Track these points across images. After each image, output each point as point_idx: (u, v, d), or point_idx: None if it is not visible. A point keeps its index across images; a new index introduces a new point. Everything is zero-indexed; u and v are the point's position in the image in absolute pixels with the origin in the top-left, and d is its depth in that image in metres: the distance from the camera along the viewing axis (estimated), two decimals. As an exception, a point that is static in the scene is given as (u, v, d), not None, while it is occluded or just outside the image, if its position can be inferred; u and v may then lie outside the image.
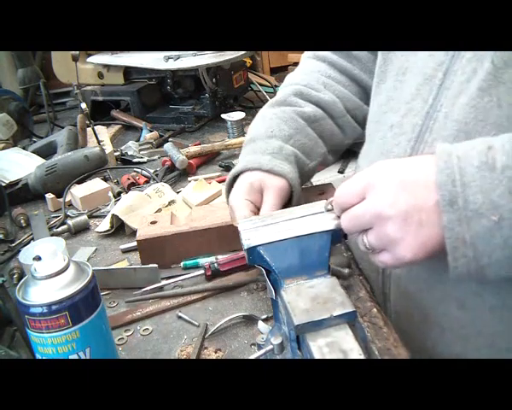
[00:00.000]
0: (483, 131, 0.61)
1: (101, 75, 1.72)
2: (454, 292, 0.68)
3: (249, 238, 0.66)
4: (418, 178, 0.56)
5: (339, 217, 0.65)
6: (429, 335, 0.72)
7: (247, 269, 0.87)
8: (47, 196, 1.21)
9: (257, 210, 0.78)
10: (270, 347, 0.62)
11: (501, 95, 0.60)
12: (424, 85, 0.68)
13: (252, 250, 0.65)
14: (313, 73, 0.93)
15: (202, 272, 0.87)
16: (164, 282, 0.88)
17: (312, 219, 0.67)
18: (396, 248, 0.58)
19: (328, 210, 0.68)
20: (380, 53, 0.78)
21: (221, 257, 0.91)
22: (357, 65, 0.93)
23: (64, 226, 1.10)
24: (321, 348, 0.54)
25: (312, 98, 0.89)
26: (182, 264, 0.92)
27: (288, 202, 0.81)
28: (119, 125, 1.68)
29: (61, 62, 1.76)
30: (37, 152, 1.44)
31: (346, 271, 0.81)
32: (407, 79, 0.72)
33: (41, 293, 0.59)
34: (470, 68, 0.63)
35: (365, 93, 0.92)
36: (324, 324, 0.56)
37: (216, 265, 0.87)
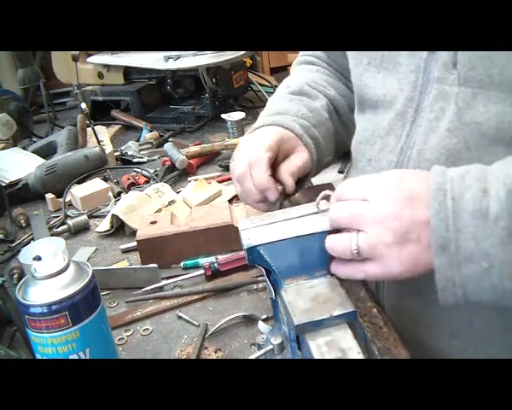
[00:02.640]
0: None
1: (101, 75, 1.72)
2: (445, 323, 0.69)
3: (249, 238, 0.66)
4: (422, 197, 0.55)
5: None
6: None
7: (247, 269, 0.87)
8: (47, 196, 1.21)
9: (272, 171, 0.75)
10: (270, 347, 0.62)
11: (467, 137, 0.60)
12: (397, 121, 0.68)
13: (252, 250, 0.65)
14: (312, 72, 0.92)
15: (202, 272, 0.87)
16: (164, 282, 0.88)
17: (312, 218, 0.67)
18: (388, 260, 0.56)
19: (322, 210, 0.68)
20: (356, 84, 0.76)
21: (221, 257, 0.91)
22: (341, 74, 0.91)
23: (64, 226, 1.10)
24: (320, 347, 0.54)
25: (321, 92, 0.87)
26: (182, 264, 0.92)
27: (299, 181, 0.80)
28: (119, 125, 1.68)
29: (61, 62, 1.76)
30: (37, 152, 1.44)
31: None
32: (380, 111, 0.71)
33: (41, 293, 0.59)
34: (438, 107, 0.63)
35: None
36: (324, 324, 0.56)
37: (216, 265, 0.87)
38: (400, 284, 0.73)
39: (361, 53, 0.74)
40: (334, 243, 0.61)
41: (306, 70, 0.93)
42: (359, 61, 0.74)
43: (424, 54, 0.65)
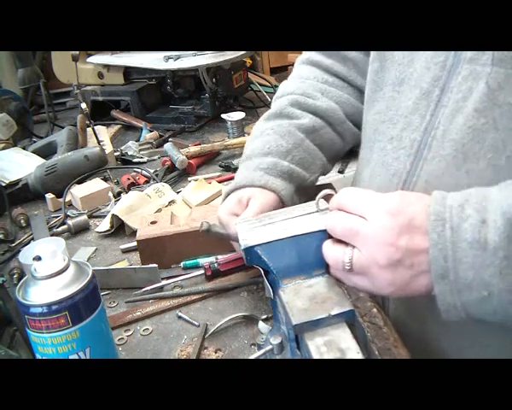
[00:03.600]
0: (480, 153, 0.60)
1: (101, 75, 1.72)
2: (454, 342, 0.69)
3: (246, 238, 0.66)
4: (420, 226, 0.56)
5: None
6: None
7: (248, 269, 0.87)
8: (47, 196, 1.21)
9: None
10: (270, 347, 0.62)
11: (497, 117, 0.60)
12: (422, 100, 0.67)
13: (249, 250, 0.65)
14: (308, 80, 0.90)
15: (202, 272, 0.87)
16: (164, 282, 0.88)
17: (309, 218, 0.67)
18: (378, 280, 0.58)
19: (322, 209, 0.68)
20: (376, 59, 0.76)
21: (221, 257, 0.91)
22: (353, 68, 0.89)
23: (64, 226, 1.10)
24: (319, 347, 0.54)
25: (310, 107, 0.86)
26: (182, 264, 0.92)
27: None
28: (119, 125, 1.68)
29: (61, 62, 1.76)
30: (37, 152, 1.44)
31: None
32: (404, 89, 0.70)
33: (41, 293, 0.59)
34: (466, 87, 0.62)
35: (363, 97, 0.89)
36: (322, 323, 0.56)
37: (216, 265, 0.87)
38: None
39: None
40: (328, 252, 0.62)
41: (303, 76, 0.92)
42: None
43: None
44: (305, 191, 0.86)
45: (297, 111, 0.86)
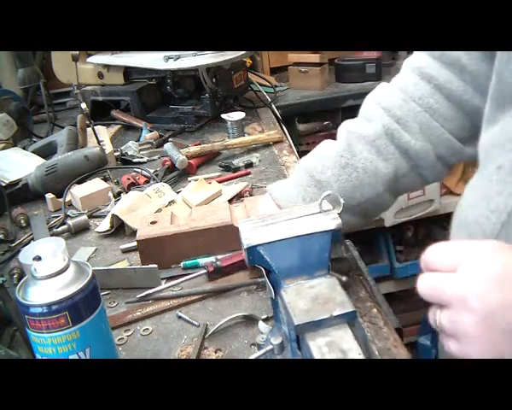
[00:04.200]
0: None
1: (101, 75, 1.72)
2: None
3: (249, 238, 0.66)
4: None
5: (339, 215, 0.65)
6: None
7: (249, 268, 0.86)
8: (47, 196, 1.21)
9: None
10: (270, 347, 0.62)
11: None
12: None
13: (251, 250, 0.65)
14: (413, 101, 0.80)
15: (203, 271, 0.87)
16: (164, 285, 0.88)
17: (312, 218, 0.67)
18: (465, 342, 0.50)
19: (325, 210, 0.68)
20: (494, 73, 0.65)
21: (221, 256, 0.91)
22: (470, 84, 0.77)
23: (64, 226, 1.10)
24: (320, 347, 0.54)
25: (402, 145, 0.79)
26: (182, 264, 0.92)
27: None
28: (119, 125, 1.68)
29: (61, 62, 1.76)
30: (37, 152, 1.44)
31: (344, 278, 0.81)
32: None
33: (41, 293, 0.59)
34: None
35: (474, 121, 0.77)
36: (324, 324, 0.56)
37: (218, 262, 0.87)
38: None
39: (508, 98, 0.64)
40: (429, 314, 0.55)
41: (408, 92, 0.81)
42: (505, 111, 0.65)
43: None
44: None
45: (389, 147, 0.80)
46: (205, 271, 0.86)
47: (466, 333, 0.49)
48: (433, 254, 0.54)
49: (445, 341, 0.52)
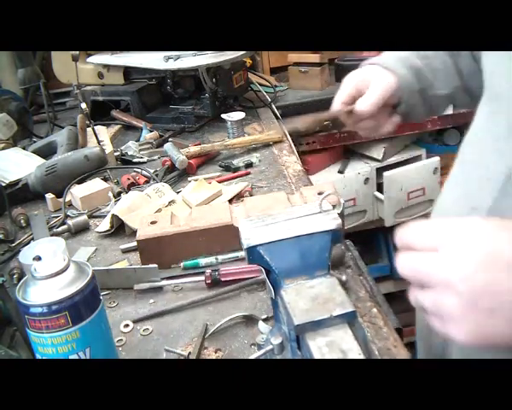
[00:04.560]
0: None
1: (101, 75, 1.72)
2: None
3: (249, 238, 0.66)
4: (507, 261, 0.47)
5: (339, 215, 0.65)
6: None
7: (248, 279, 0.86)
8: (47, 196, 1.21)
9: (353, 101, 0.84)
10: (270, 347, 0.62)
11: None
12: None
13: (251, 250, 0.65)
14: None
15: (202, 278, 0.87)
16: (164, 282, 0.88)
17: (312, 218, 0.67)
18: (450, 324, 0.49)
19: (325, 210, 0.68)
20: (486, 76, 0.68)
21: (221, 257, 0.91)
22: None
23: (64, 226, 1.10)
24: (320, 347, 0.54)
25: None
26: (182, 264, 0.92)
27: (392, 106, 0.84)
28: (119, 125, 1.68)
29: (61, 62, 1.76)
30: (37, 152, 1.44)
31: (344, 277, 0.81)
32: (499, 109, 0.62)
33: (41, 293, 0.59)
34: None
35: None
36: (324, 324, 0.56)
37: (217, 274, 0.87)
38: None
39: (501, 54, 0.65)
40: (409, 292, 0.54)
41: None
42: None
43: None
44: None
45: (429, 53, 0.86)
46: (202, 279, 0.86)
47: (451, 315, 0.48)
48: (412, 232, 0.52)
49: (428, 317, 0.52)
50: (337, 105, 0.85)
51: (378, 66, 0.83)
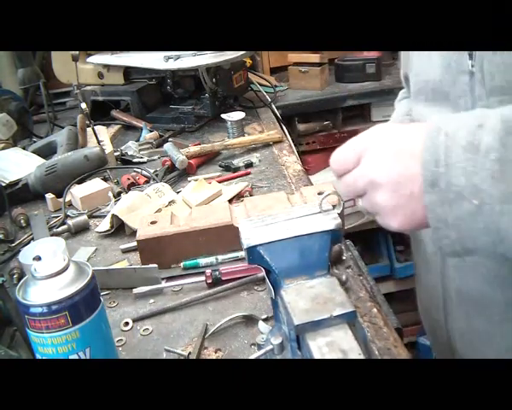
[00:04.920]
0: None
1: (101, 75, 1.72)
2: (505, 339, 0.68)
3: (249, 238, 0.66)
4: (413, 150, 0.53)
5: (339, 215, 0.65)
6: None
7: (249, 276, 0.86)
8: (47, 196, 1.21)
9: None
10: (270, 347, 0.62)
11: None
12: None
13: (251, 250, 0.65)
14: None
15: (203, 278, 0.87)
16: (163, 282, 0.88)
17: (312, 218, 0.67)
18: (383, 215, 0.57)
19: (325, 210, 0.68)
20: (415, 117, 0.81)
21: (221, 257, 0.91)
22: None
23: (64, 226, 1.10)
24: (320, 347, 0.54)
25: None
26: (182, 264, 0.92)
27: None
28: (119, 125, 1.68)
29: (61, 62, 1.76)
30: (37, 152, 1.44)
31: (344, 277, 0.81)
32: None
33: (41, 293, 0.59)
34: None
35: None
36: (324, 324, 0.56)
37: (217, 273, 0.87)
38: (469, 308, 0.74)
39: (418, 91, 0.78)
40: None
41: (408, 102, 0.94)
42: (418, 99, 0.79)
43: (466, 78, 0.67)
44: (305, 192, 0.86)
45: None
46: (203, 279, 0.86)
47: (383, 207, 0.56)
48: (336, 159, 0.61)
49: (377, 219, 0.60)
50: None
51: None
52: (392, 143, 0.56)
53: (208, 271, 0.87)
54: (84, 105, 1.49)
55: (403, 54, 0.88)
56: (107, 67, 1.70)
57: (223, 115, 1.48)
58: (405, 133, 0.56)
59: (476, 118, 0.51)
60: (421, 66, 0.75)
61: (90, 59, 1.73)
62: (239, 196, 1.14)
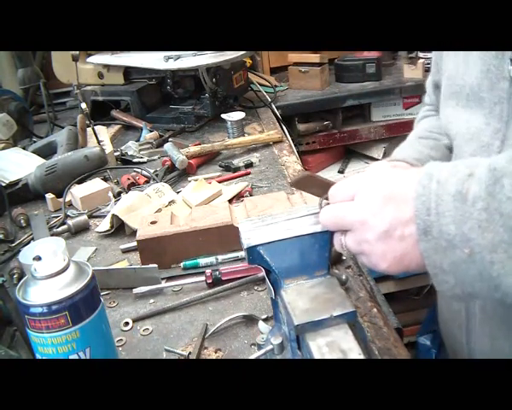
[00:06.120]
0: None
1: (101, 75, 1.72)
2: None
3: (249, 238, 0.66)
4: (406, 195, 0.54)
5: None
6: None
7: (249, 275, 0.86)
8: (47, 196, 1.21)
9: None
10: (270, 347, 0.62)
11: None
12: (482, 153, 0.68)
13: (252, 250, 0.65)
14: (434, 121, 0.90)
15: (203, 278, 0.87)
16: (163, 282, 0.88)
17: (312, 218, 0.67)
18: (372, 256, 0.57)
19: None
20: (443, 120, 0.79)
21: (221, 257, 0.91)
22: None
23: (64, 226, 1.10)
24: (320, 347, 0.54)
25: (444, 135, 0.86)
26: (182, 264, 0.92)
27: None
28: (119, 125, 1.68)
29: (61, 62, 1.76)
30: (37, 152, 1.44)
31: (344, 276, 0.81)
32: (458, 144, 0.73)
33: (41, 293, 0.59)
34: None
35: None
36: (324, 324, 0.56)
37: (218, 273, 0.87)
38: (493, 328, 0.71)
39: (450, 95, 0.76)
40: (334, 240, 0.62)
41: (429, 121, 0.92)
42: (448, 104, 0.77)
43: (506, 84, 0.66)
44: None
45: (438, 135, 0.86)
46: (203, 279, 0.86)
47: (372, 249, 0.56)
48: (333, 191, 0.61)
49: (358, 258, 0.60)
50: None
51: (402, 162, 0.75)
52: (387, 186, 0.56)
53: (208, 271, 0.87)
54: (84, 105, 1.49)
55: (433, 61, 0.86)
56: (107, 67, 1.70)
57: (223, 115, 1.48)
58: (400, 177, 0.56)
59: (467, 167, 0.52)
60: (457, 70, 0.74)
61: (90, 59, 1.73)
62: (239, 196, 1.14)
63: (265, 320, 0.76)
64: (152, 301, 0.86)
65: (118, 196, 1.21)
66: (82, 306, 0.61)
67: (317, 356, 0.53)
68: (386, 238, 0.55)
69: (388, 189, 0.55)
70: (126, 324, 0.81)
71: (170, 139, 1.50)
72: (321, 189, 0.65)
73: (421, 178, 0.53)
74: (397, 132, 2.13)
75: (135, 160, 1.42)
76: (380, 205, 0.55)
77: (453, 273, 0.52)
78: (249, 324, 0.78)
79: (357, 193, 0.58)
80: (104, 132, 1.56)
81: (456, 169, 0.52)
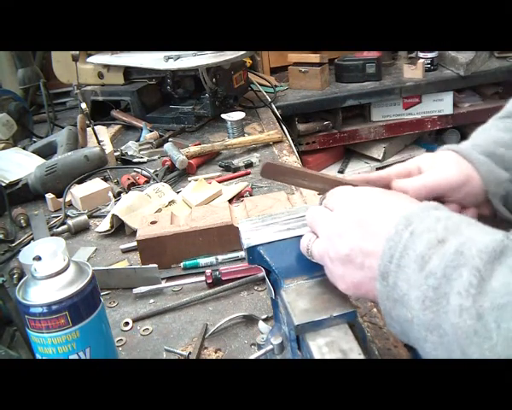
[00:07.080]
0: None
1: (101, 75, 1.72)
2: None
3: (249, 238, 0.66)
4: (379, 230, 0.52)
5: None
6: None
7: (249, 276, 0.86)
8: (47, 196, 1.21)
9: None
10: (270, 347, 0.62)
11: None
12: None
13: (252, 250, 0.65)
14: None
15: (203, 278, 0.87)
16: (163, 282, 0.88)
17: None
18: (333, 273, 0.57)
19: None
20: None
21: (221, 257, 0.91)
22: None
23: (64, 226, 1.10)
24: (320, 347, 0.54)
25: None
26: (182, 264, 0.92)
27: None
28: (119, 125, 1.68)
29: (61, 62, 1.76)
30: (37, 152, 1.44)
31: None
32: None
33: (41, 293, 0.59)
34: None
35: None
36: (324, 324, 0.56)
37: (218, 274, 0.87)
38: None
39: None
40: (302, 238, 0.62)
41: None
42: None
43: None
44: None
45: None
46: (203, 279, 0.86)
47: (332, 267, 0.56)
48: (329, 193, 0.61)
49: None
50: (386, 173, 0.68)
51: (453, 152, 0.68)
52: (364, 211, 0.55)
53: (208, 271, 0.87)
54: (84, 105, 1.49)
55: None
56: (107, 67, 1.70)
57: (223, 115, 1.48)
58: (384, 207, 0.54)
59: (446, 229, 0.48)
60: None
61: (90, 59, 1.73)
62: (239, 196, 1.14)
63: (265, 320, 0.76)
64: (152, 301, 0.86)
65: (118, 196, 1.21)
66: (82, 306, 0.61)
67: (317, 356, 0.53)
68: (346, 262, 0.54)
69: (364, 214, 0.54)
70: (126, 324, 0.81)
71: (170, 139, 1.50)
72: (288, 176, 0.67)
73: (399, 222, 0.50)
74: (397, 132, 2.13)
75: (135, 160, 1.42)
76: (349, 227, 0.54)
77: (399, 324, 0.51)
78: (249, 324, 0.78)
79: (338, 206, 0.57)
80: (104, 132, 1.56)
81: (435, 226, 0.49)
